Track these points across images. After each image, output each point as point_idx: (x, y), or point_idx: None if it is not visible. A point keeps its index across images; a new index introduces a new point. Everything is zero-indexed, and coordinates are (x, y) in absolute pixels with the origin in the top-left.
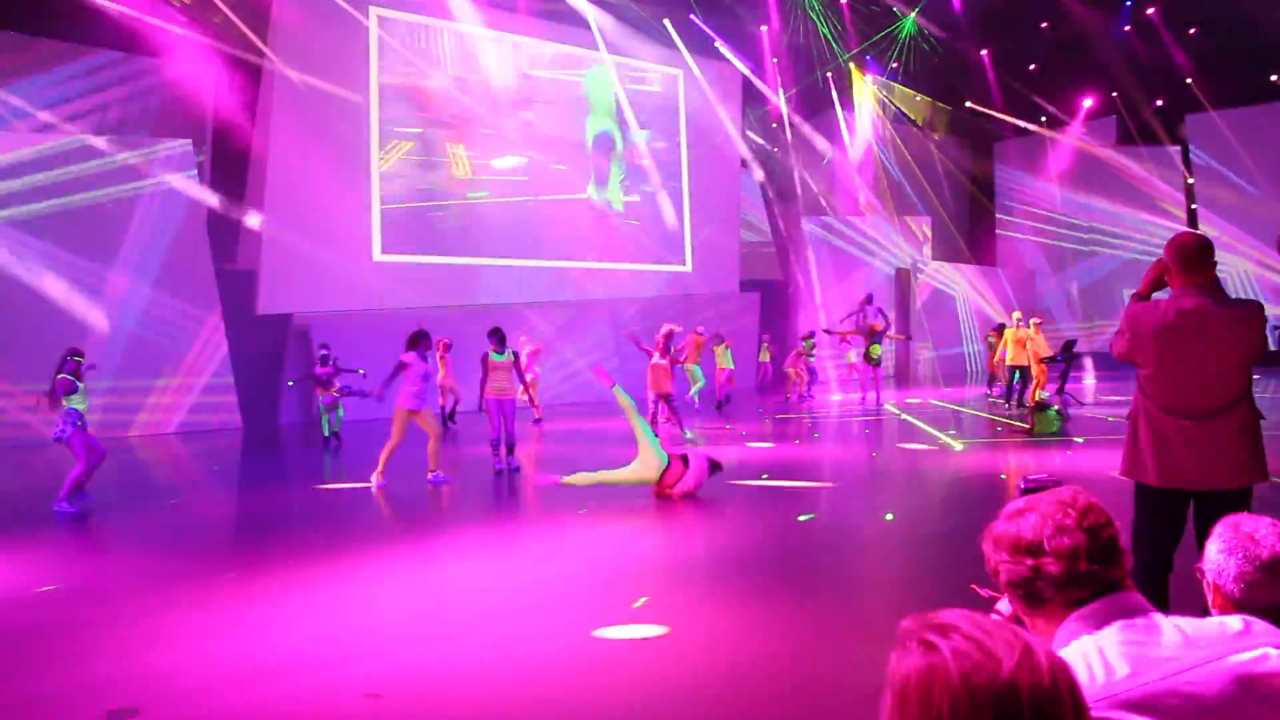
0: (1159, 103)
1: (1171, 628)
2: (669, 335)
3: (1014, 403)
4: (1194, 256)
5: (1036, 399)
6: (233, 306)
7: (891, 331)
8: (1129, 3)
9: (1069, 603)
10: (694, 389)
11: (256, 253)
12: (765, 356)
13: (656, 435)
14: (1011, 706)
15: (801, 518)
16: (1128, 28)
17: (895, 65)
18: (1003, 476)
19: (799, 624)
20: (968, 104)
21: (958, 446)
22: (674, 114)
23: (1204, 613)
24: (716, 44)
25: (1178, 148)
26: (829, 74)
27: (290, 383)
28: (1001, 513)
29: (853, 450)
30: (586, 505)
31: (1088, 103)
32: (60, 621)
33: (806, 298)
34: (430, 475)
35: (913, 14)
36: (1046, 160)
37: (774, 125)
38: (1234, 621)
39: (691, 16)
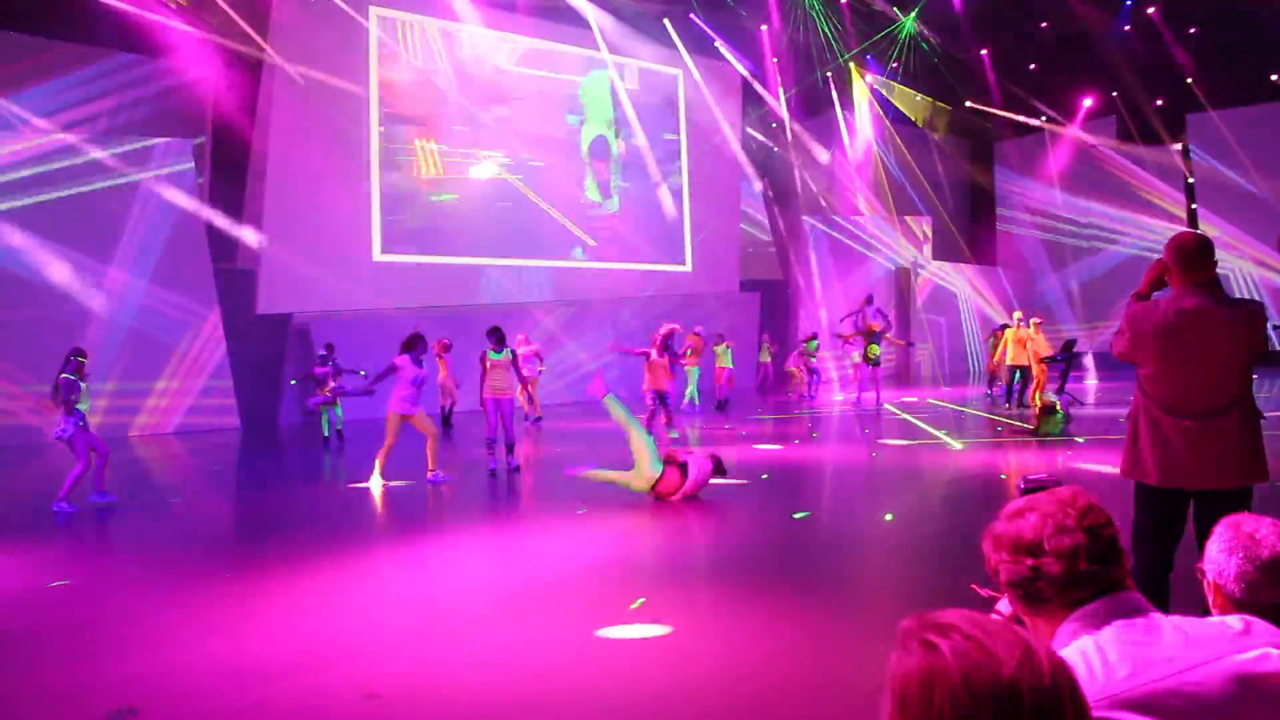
0: (1159, 102)
1: (1171, 628)
2: (670, 334)
3: (1014, 403)
4: (1194, 256)
5: (1045, 401)
6: (232, 306)
7: (890, 334)
8: (1129, 2)
9: (1069, 603)
10: (689, 390)
11: (256, 253)
12: (766, 357)
13: (653, 439)
14: (1012, 706)
15: (797, 515)
16: (1128, 27)
17: (895, 65)
18: (1003, 476)
19: (801, 623)
20: (968, 104)
21: (957, 446)
22: (674, 114)
23: (1204, 613)
24: (716, 44)
25: (1178, 147)
26: (829, 74)
27: (293, 381)
28: (1002, 513)
29: (852, 450)
30: (585, 505)
31: (1088, 102)
32: (61, 621)
33: (807, 298)
34: (429, 475)
35: (912, 14)
36: (1046, 160)
37: (774, 125)
38: (1234, 621)
39: (691, 16)
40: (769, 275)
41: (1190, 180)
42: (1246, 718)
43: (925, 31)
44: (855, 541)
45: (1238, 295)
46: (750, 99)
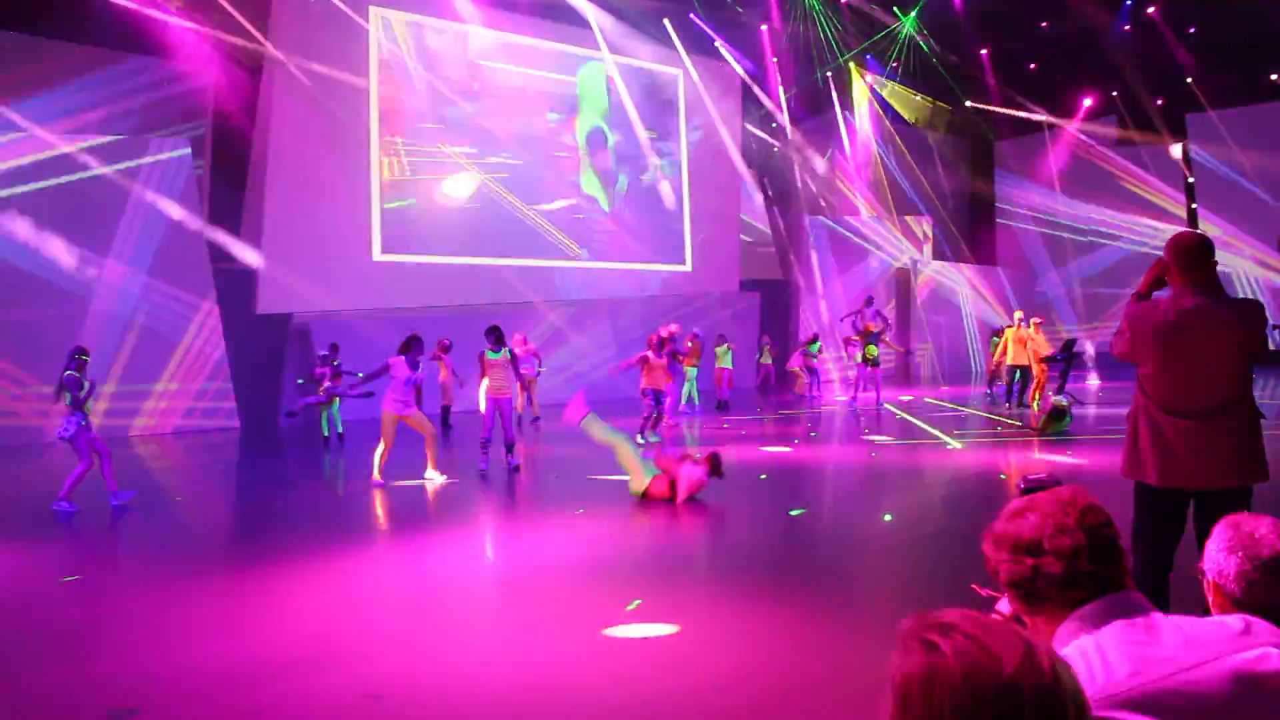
0: (1159, 102)
1: (1172, 627)
2: (670, 336)
3: (1014, 402)
4: (1194, 255)
5: (1056, 404)
6: (232, 306)
7: (888, 337)
8: (1129, 2)
9: (1069, 602)
10: (688, 390)
11: (257, 251)
12: (767, 359)
13: (645, 443)
14: (1013, 706)
15: (794, 512)
16: (1128, 27)
17: (895, 65)
18: (1003, 476)
19: (802, 623)
20: (968, 103)
21: (957, 446)
22: (674, 114)
23: (1204, 612)
24: (716, 44)
25: (1178, 148)
26: (829, 74)
27: (300, 380)
28: (1002, 512)
29: (851, 450)
30: (584, 506)
31: (1087, 102)
32: (60, 620)
33: (807, 298)
34: (427, 474)
35: (913, 14)
36: (1046, 159)
37: (774, 125)
38: (1234, 621)
39: (691, 16)
40: (769, 275)
41: (1190, 180)
42: (1247, 717)
43: (925, 31)
44: (855, 541)
45: (1238, 295)
46: (750, 99)
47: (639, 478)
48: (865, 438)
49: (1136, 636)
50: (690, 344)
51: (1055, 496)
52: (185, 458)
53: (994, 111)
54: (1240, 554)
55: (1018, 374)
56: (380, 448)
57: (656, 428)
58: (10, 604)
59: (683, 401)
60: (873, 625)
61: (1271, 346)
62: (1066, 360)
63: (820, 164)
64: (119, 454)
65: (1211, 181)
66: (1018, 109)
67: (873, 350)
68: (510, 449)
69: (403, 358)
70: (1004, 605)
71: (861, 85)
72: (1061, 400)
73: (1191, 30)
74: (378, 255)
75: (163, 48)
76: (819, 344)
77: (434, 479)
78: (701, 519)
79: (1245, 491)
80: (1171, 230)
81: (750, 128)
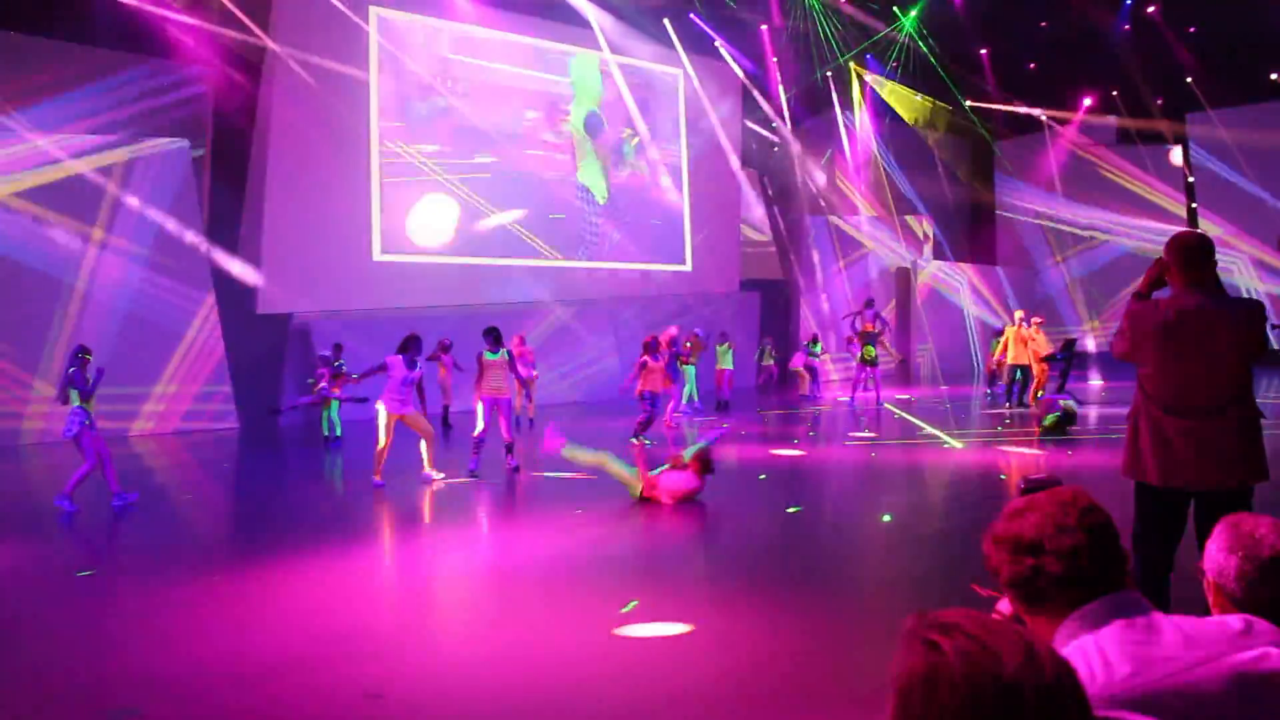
0: (1159, 102)
1: (1172, 627)
2: (671, 340)
3: (1014, 402)
4: (1194, 255)
5: (1064, 408)
6: (232, 306)
7: (887, 340)
8: (1129, 2)
9: (1069, 602)
10: (688, 390)
11: (257, 252)
12: (769, 359)
13: (632, 462)
14: (1014, 705)
15: (791, 509)
16: (1127, 26)
17: (895, 65)
18: (1003, 476)
19: (802, 623)
20: (967, 103)
21: (957, 445)
22: (674, 114)
23: (1205, 612)
24: (716, 44)
25: (1178, 147)
26: (829, 74)
27: (309, 380)
28: (1002, 512)
29: (850, 450)
30: (583, 505)
31: (1087, 102)
32: (60, 620)
33: (807, 297)
34: (424, 474)
35: (913, 14)
36: (1046, 159)
37: (774, 125)
38: (1235, 621)
39: (692, 16)
40: (769, 275)
41: (1190, 180)
42: (1247, 717)
43: (925, 31)
44: (854, 541)
45: (1245, 294)
46: (750, 98)
47: (634, 484)
48: (852, 439)
49: (1137, 636)
50: (689, 344)
51: (1055, 496)
52: (185, 458)
53: (994, 111)
54: (1240, 554)
55: (1018, 374)
56: (379, 447)
57: (647, 431)
58: (10, 604)
59: (684, 401)
60: (873, 625)
61: (1272, 346)
62: (1067, 360)
63: (820, 165)
64: (118, 454)
65: (1211, 181)
66: (1018, 108)
67: (870, 351)
68: (510, 450)
69: (400, 357)
70: (1004, 605)
71: (861, 85)
72: (1072, 405)
73: (1191, 30)
74: (378, 255)
75: (163, 48)
76: (820, 344)
77: (431, 479)
78: (700, 519)
79: (1245, 491)
80: (1171, 230)
81: (750, 124)
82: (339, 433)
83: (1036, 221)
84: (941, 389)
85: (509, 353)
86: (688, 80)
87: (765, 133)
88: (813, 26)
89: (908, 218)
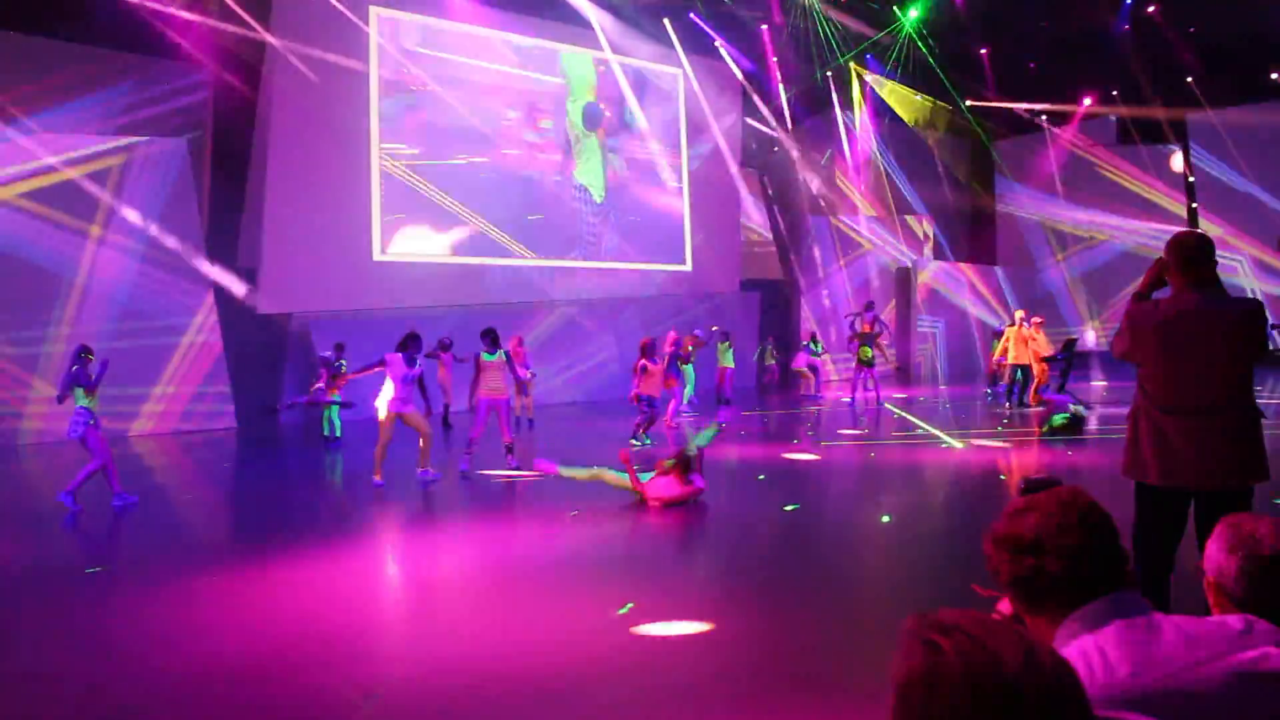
0: (1159, 102)
1: (1172, 627)
2: (674, 343)
3: (1015, 402)
4: (1194, 255)
5: (1073, 413)
6: (232, 306)
7: (884, 343)
8: (1129, 2)
9: (1070, 602)
10: (688, 391)
11: (257, 252)
12: (771, 359)
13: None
14: (1015, 706)
15: (788, 507)
16: (1127, 26)
17: (895, 65)
18: (1003, 477)
19: (802, 623)
20: (967, 103)
21: (957, 445)
22: (674, 113)
23: (1205, 612)
24: (716, 43)
25: (1178, 153)
26: (829, 73)
27: (314, 381)
28: (1003, 512)
29: (849, 449)
30: (582, 507)
31: (1087, 102)
32: (60, 620)
33: (807, 297)
34: (420, 473)
35: (914, 13)
36: (1046, 159)
37: (774, 124)
38: (1235, 621)
39: (692, 15)
40: (769, 275)
41: (1190, 180)
42: (1248, 717)
43: (925, 31)
44: (854, 541)
45: (1248, 294)
46: (750, 98)
47: (634, 486)
48: (852, 439)
49: (1137, 636)
50: (691, 347)
51: (1056, 496)
52: (184, 458)
53: (994, 111)
54: (1241, 554)
55: (1019, 374)
56: (379, 446)
57: (649, 430)
58: (10, 603)
59: (684, 401)
60: (873, 625)
61: (1271, 346)
62: (1067, 360)
63: (820, 165)
64: (118, 454)
65: (1211, 181)
66: (1018, 108)
67: (867, 352)
68: (510, 450)
69: (400, 355)
70: (1004, 605)
71: (861, 84)
72: (1081, 410)
73: (1191, 30)
74: (378, 255)
75: (163, 48)
76: (820, 342)
77: (427, 478)
78: (698, 519)
79: (1246, 491)
80: (1171, 230)
81: (751, 121)
82: (339, 433)
83: (1036, 221)
84: (942, 389)
85: (507, 354)
86: (687, 80)
87: (766, 131)
88: (813, 26)
89: (908, 218)
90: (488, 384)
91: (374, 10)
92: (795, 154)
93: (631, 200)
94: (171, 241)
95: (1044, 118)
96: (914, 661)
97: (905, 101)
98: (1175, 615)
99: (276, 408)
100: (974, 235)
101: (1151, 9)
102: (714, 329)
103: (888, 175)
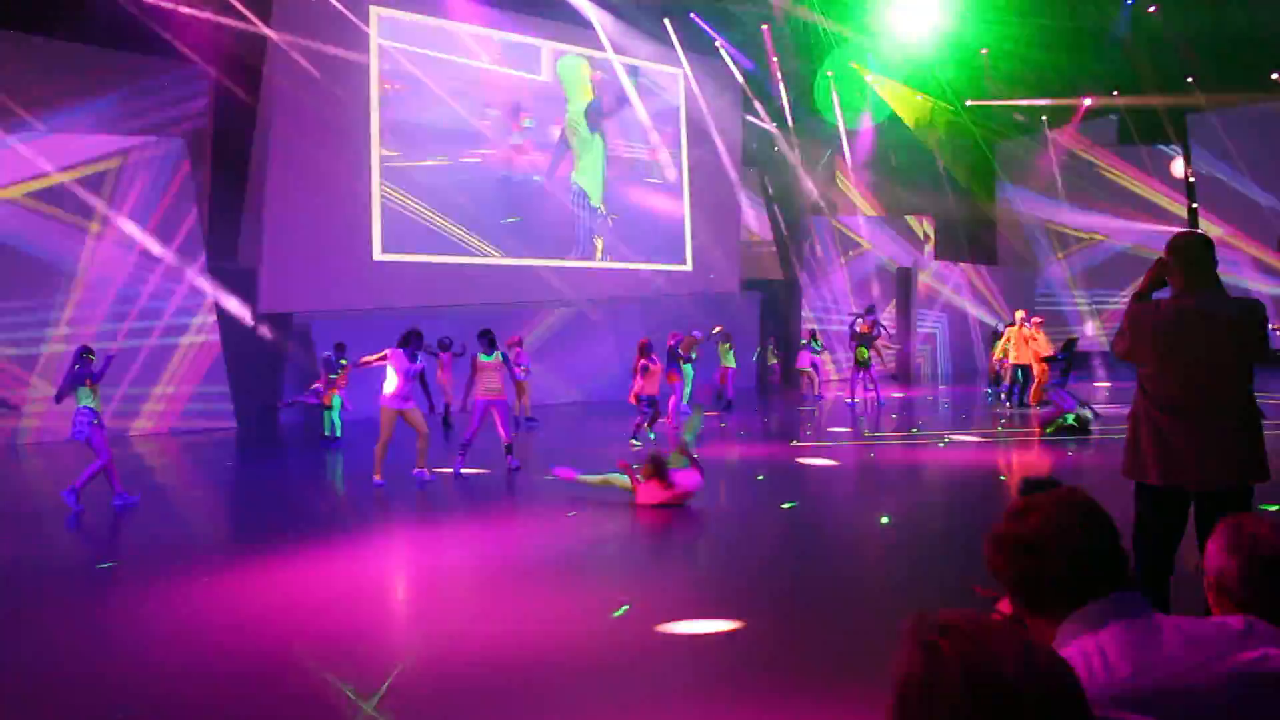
0: (1159, 102)
1: (1172, 628)
2: (676, 342)
3: (1015, 402)
4: (1195, 256)
5: (1081, 416)
6: (232, 306)
7: (880, 345)
8: (1129, 2)
9: (1070, 603)
10: (688, 391)
11: (257, 252)
12: (773, 358)
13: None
14: (1013, 706)
15: (785, 505)
16: (1128, 26)
17: (895, 64)
18: (1003, 477)
19: (802, 623)
20: (968, 103)
21: (958, 445)
22: (674, 113)
23: (1205, 613)
24: (716, 43)
25: (1178, 147)
26: (829, 73)
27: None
28: (1003, 513)
29: (849, 449)
30: (580, 508)
31: (1087, 102)
32: (59, 619)
33: (807, 297)
34: (416, 473)
35: (912, 13)
36: (1046, 159)
37: (774, 124)
38: (1235, 622)
39: (692, 15)
40: (769, 275)
41: (1190, 180)
42: (1248, 718)
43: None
44: (853, 541)
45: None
46: (750, 98)
47: (635, 489)
48: (867, 439)
49: (1137, 637)
50: (689, 343)
51: (1056, 497)
52: (184, 458)
53: (994, 111)
54: (1241, 554)
55: (1019, 374)
56: (380, 444)
57: (653, 426)
58: (10, 603)
59: (683, 401)
60: (872, 625)
61: (1272, 347)
62: (1067, 360)
63: (820, 165)
64: (118, 454)
65: (1211, 182)
66: (1019, 108)
67: (863, 353)
68: (509, 450)
69: (402, 350)
70: (1004, 605)
71: (862, 84)
72: (1088, 415)
73: (1192, 30)
74: (378, 255)
75: (164, 48)
76: (820, 340)
77: (423, 478)
78: (697, 518)
79: (1246, 491)
80: (1171, 230)
81: (751, 119)
82: (339, 433)
83: (1036, 221)
84: (942, 389)
85: (504, 355)
86: (687, 80)
87: (766, 130)
88: (813, 26)
89: (908, 218)
90: (484, 385)
91: (374, 10)
92: (795, 154)
93: (632, 200)
94: (171, 241)
95: (1044, 117)
96: (913, 663)
97: (905, 101)
98: (1175, 616)
99: (276, 405)
100: (974, 235)
101: (1152, 9)
102: (715, 330)
103: (888, 175)
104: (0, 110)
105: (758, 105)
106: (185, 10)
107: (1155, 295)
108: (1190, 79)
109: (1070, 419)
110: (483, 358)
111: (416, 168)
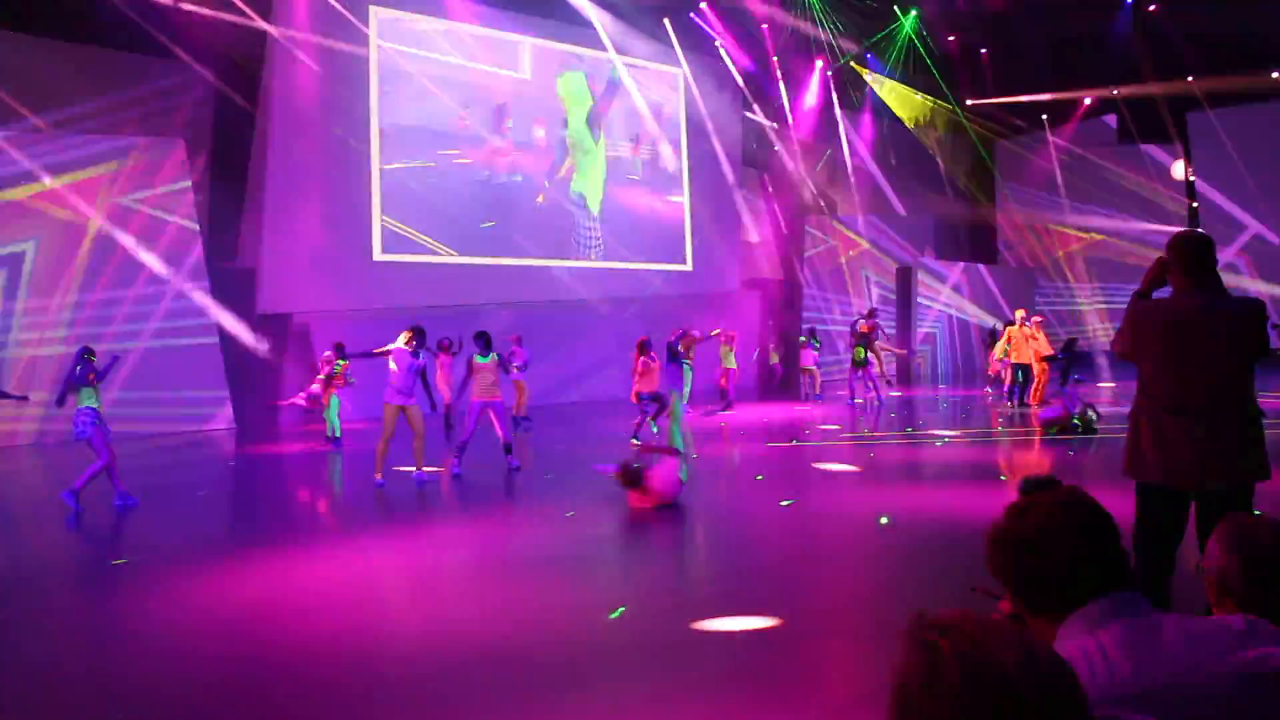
0: (1159, 102)
1: (1173, 627)
2: (678, 337)
3: (1015, 402)
4: (1195, 255)
5: (1087, 418)
6: (232, 306)
7: (878, 345)
8: (1130, 1)
9: (1070, 602)
10: (687, 390)
11: (257, 251)
12: (774, 358)
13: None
14: (1013, 706)
15: (784, 503)
16: (1128, 26)
17: (896, 64)
18: (1003, 477)
19: (801, 623)
20: (968, 102)
21: (957, 445)
22: (674, 113)
23: (1206, 612)
24: (717, 43)
25: (1178, 147)
26: (829, 73)
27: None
28: (1003, 513)
29: (848, 449)
30: (574, 507)
31: (1087, 101)
32: (59, 619)
33: (807, 297)
34: (414, 473)
35: (913, 13)
36: (1046, 159)
37: (774, 124)
38: (1236, 621)
39: (692, 15)
40: (769, 275)
41: (1190, 180)
42: (1249, 717)
43: (925, 31)
44: (852, 541)
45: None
46: (750, 98)
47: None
48: (867, 439)
49: (1138, 637)
50: (688, 342)
51: (1056, 497)
52: (184, 458)
53: (994, 111)
54: (1242, 554)
55: (1019, 373)
56: (381, 442)
57: (657, 420)
58: (10, 602)
59: (684, 400)
60: (872, 625)
61: (1272, 346)
62: (1068, 359)
63: (820, 165)
64: (117, 454)
65: (1212, 181)
66: (1018, 108)
67: (860, 353)
68: (509, 450)
69: (405, 346)
70: (1005, 605)
71: (862, 84)
72: (1092, 416)
73: (1191, 30)
74: (378, 255)
75: (165, 48)
76: (819, 338)
77: (420, 477)
78: (697, 519)
79: (1246, 490)
80: (1171, 230)
81: (751, 115)
82: (339, 433)
83: (1037, 222)
84: (942, 388)
85: (500, 356)
86: (688, 81)
87: (766, 129)
88: (813, 26)
89: (908, 217)
90: (480, 386)
91: (374, 10)
92: (795, 154)
93: (631, 201)
94: (171, 241)
95: (1044, 117)
96: (912, 662)
97: (905, 101)
98: (1177, 615)
99: (276, 404)
100: (974, 235)
101: (1152, 9)
102: (713, 333)
103: (887, 175)
104: (1, 110)
105: (761, 101)
106: (185, 10)
107: (1156, 294)
108: (1190, 79)
109: (1075, 421)
110: (478, 359)
111: (417, 168)
